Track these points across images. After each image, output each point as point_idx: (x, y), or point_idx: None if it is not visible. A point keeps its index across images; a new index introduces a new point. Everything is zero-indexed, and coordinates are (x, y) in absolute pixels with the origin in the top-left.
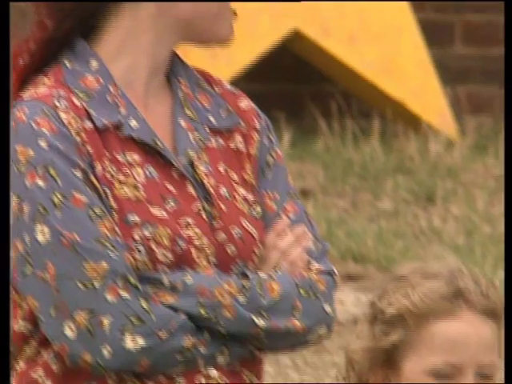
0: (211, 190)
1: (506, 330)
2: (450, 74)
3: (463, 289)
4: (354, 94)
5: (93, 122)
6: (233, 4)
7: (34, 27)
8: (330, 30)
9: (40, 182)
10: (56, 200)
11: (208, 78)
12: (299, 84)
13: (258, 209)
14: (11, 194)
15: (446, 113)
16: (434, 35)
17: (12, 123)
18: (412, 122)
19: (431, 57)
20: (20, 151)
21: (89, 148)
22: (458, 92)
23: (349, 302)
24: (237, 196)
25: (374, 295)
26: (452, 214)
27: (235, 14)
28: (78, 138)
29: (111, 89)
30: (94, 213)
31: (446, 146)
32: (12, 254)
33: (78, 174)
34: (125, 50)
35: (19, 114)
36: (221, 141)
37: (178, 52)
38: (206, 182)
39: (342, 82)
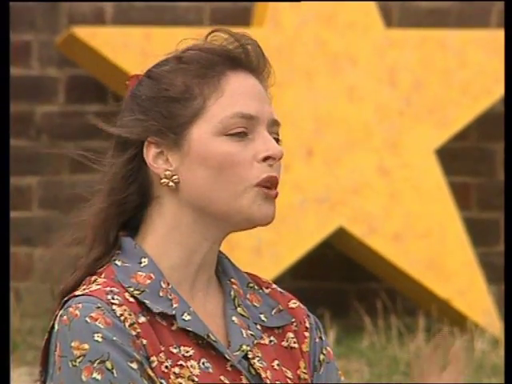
0: (268, 382)
1: (505, 330)
2: (495, 272)
3: None
4: (399, 291)
5: (145, 316)
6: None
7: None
8: (376, 227)
9: (97, 376)
10: None
11: (257, 280)
12: (344, 281)
13: None
14: None
15: (492, 312)
16: (479, 234)
17: (64, 319)
18: (457, 320)
19: (476, 255)
20: (75, 346)
21: (144, 341)
22: (503, 290)
23: None
24: None
25: None
26: None
27: (273, 195)
28: (132, 331)
29: (163, 284)
30: None
31: (492, 345)
32: None
33: (134, 365)
34: (170, 246)
35: (72, 310)
36: (273, 339)
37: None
38: (263, 374)
39: (387, 279)
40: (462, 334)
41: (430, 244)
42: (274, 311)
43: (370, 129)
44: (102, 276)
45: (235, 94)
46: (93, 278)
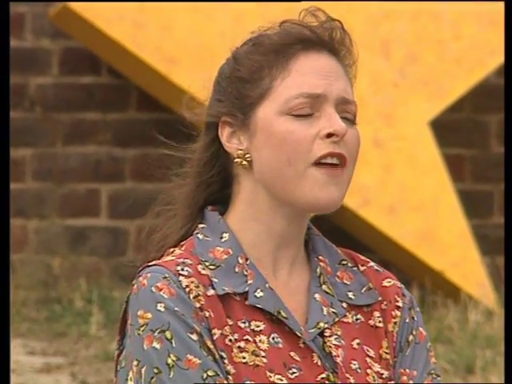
0: (338, 360)
1: (505, 330)
2: (488, 244)
3: None
4: (393, 263)
5: (215, 289)
6: None
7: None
8: (370, 200)
9: (156, 345)
10: (170, 361)
11: (354, 258)
12: None
13: None
14: (132, 359)
15: (486, 283)
16: (473, 205)
17: (134, 288)
18: (451, 292)
19: (470, 227)
20: (140, 315)
21: (207, 313)
22: (497, 262)
23: None
24: (369, 371)
25: None
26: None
27: (336, 174)
28: (196, 303)
29: (240, 260)
30: (207, 374)
31: (486, 316)
32: None
33: (194, 337)
34: (248, 222)
35: (142, 279)
36: (360, 317)
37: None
38: (334, 353)
39: (382, 251)
40: (456, 305)
41: (424, 216)
42: (364, 289)
43: (364, 101)
44: (182, 248)
45: (302, 73)
46: (172, 249)
